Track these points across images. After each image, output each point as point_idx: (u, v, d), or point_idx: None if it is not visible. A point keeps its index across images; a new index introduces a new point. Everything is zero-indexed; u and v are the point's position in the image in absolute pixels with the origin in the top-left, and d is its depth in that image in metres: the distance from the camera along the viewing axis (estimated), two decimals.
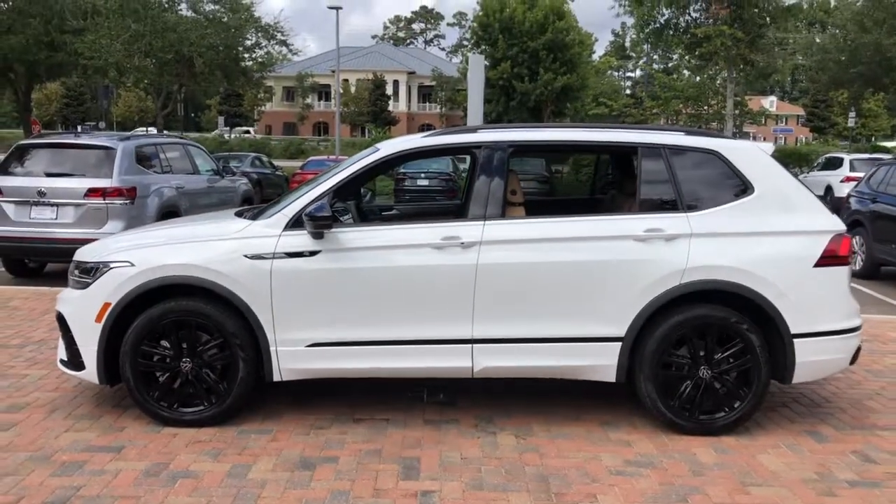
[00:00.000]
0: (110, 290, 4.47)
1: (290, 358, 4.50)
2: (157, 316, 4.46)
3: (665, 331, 4.47)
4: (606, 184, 6.40)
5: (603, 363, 4.52)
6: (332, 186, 4.58)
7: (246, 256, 4.44)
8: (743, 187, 4.63)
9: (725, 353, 4.52)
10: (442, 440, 4.43)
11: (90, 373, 4.56)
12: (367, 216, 5.80)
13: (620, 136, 4.84)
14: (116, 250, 4.62)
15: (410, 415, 4.82)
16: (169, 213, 9.90)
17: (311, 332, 4.47)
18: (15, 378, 5.39)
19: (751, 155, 4.71)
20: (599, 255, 4.48)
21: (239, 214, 4.92)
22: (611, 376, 4.54)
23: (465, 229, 4.49)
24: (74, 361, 4.61)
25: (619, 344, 4.49)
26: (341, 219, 5.09)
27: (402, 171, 21.31)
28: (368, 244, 4.48)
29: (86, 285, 4.56)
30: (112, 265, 4.51)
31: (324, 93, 74.56)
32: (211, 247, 4.50)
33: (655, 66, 62.71)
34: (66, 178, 9.23)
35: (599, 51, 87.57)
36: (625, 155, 5.29)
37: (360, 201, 6.05)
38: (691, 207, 4.59)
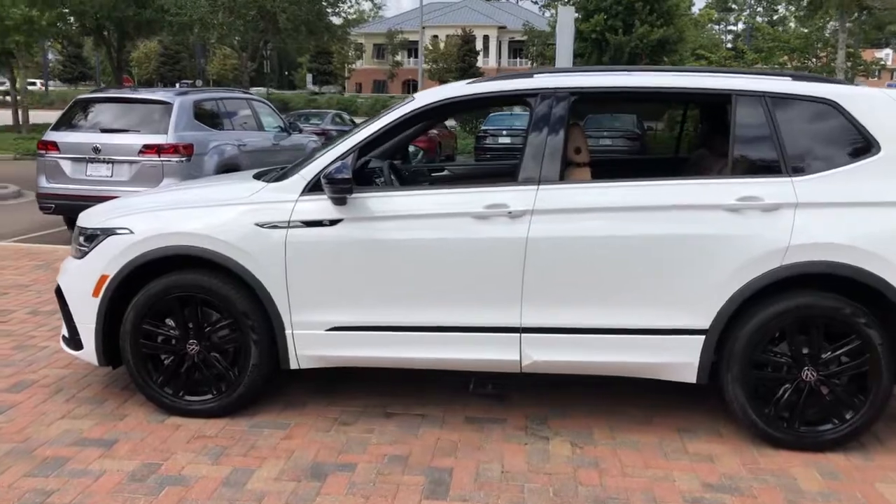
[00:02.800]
0: (107, 260, 3.93)
1: (308, 343, 3.88)
2: (159, 291, 3.90)
3: (760, 323, 3.62)
4: (695, 141, 5.49)
5: (681, 360, 3.71)
6: (356, 144, 3.88)
7: (258, 225, 3.81)
8: (865, 145, 3.69)
9: (836, 353, 3.64)
10: (482, 445, 3.74)
11: (88, 353, 4.05)
12: (412, 178, 5.09)
13: (712, 81, 3.94)
14: (117, 215, 4.06)
15: (450, 410, 4.13)
16: (229, 171, 9.45)
17: (331, 314, 3.83)
18: (32, 350, 4.97)
19: (877, 104, 3.75)
20: (680, 228, 3.65)
21: (258, 177, 4.28)
22: (691, 376, 3.74)
23: (514, 195, 3.73)
24: (73, 339, 4.11)
25: (703, 338, 3.67)
26: (378, 181, 4.40)
27: (484, 129, 20.51)
28: (399, 212, 3.78)
29: (83, 254, 4.03)
30: (110, 232, 3.97)
31: (413, 50, 73.46)
32: (218, 213, 3.88)
33: (759, 18, 59.18)
34: (121, 134, 8.87)
35: (700, 3, 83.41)
36: (717, 105, 4.39)
37: (406, 161, 5.35)
38: (798, 170, 3.69)
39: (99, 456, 3.57)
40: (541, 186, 3.73)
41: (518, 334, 3.74)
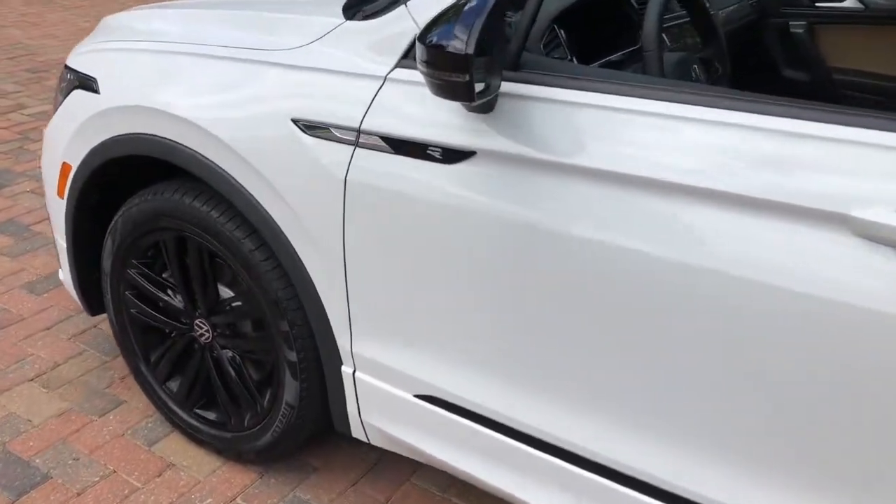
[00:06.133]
0: (68, 136, 2.02)
1: (380, 406, 1.71)
2: (145, 217, 1.93)
3: None
4: None
5: None
6: None
7: (296, 123, 1.58)
8: None
9: None
10: None
11: (68, 283, 2.31)
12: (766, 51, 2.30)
13: None
14: (93, 46, 2.07)
15: None
16: None
17: (430, 365, 1.58)
18: None
19: None
20: None
21: (349, 7, 1.90)
22: None
23: None
24: (59, 256, 2.38)
25: None
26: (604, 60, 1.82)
27: None
28: (619, 166, 1.25)
29: (56, 111, 2.16)
30: (76, 79, 2.02)
31: None
32: (228, 77, 1.70)
33: None
34: None
35: None
36: None
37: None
38: None
39: None
40: None
41: None
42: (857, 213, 1.07)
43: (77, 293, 2.24)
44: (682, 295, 1.21)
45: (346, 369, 1.72)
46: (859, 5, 2.44)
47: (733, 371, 1.21)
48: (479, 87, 1.25)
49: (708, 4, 2.14)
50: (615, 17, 1.79)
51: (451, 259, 1.45)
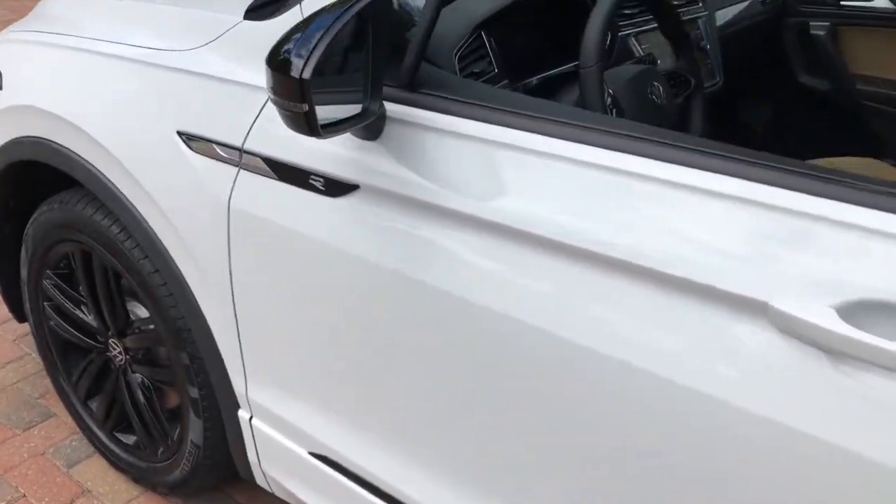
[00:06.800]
0: None
1: (277, 458, 1.52)
2: (51, 227, 1.76)
3: None
4: None
5: None
6: None
7: (182, 137, 1.38)
8: None
9: None
10: None
11: None
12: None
13: None
14: (10, 36, 1.88)
15: None
16: None
17: (321, 420, 1.37)
18: None
19: None
20: None
21: (261, 6, 1.56)
22: None
23: None
24: None
25: None
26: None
27: None
28: (514, 221, 1.00)
29: None
30: None
31: None
32: (119, 79, 1.49)
33: None
34: None
35: None
36: None
37: None
38: None
39: None
40: None
41: None
42: (777, 303, 0.82)
43: (3, 299, 2.09)
44: (581, 381, 0.98)
45: (242, 414, 1.53)
46: (891, 6, 2.12)
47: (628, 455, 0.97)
48: (350, 110, 1.04)
49: (701, 5, 1.87)
50: (571, 14, 1.52)
51: (329, 307, 1.24)
